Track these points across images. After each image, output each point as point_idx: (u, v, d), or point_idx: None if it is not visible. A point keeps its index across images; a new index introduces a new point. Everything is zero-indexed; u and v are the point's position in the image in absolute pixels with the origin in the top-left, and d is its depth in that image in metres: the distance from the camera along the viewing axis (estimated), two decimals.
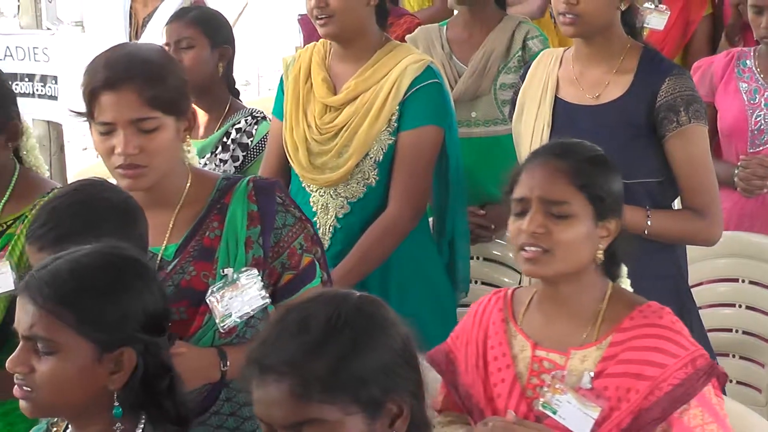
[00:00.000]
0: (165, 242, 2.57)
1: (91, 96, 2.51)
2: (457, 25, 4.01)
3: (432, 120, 3.34)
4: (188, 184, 2.61)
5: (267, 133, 3.64)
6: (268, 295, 2.55)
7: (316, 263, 2.65)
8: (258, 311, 2.55)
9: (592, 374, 2.37)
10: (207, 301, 2.51)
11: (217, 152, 3.68)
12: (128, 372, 2.00)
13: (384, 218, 3.31)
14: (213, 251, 2.56)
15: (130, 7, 4.69)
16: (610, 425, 2.35)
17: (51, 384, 1.97)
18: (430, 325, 2.97)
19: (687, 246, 3.29)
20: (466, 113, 3.85)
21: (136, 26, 4.59)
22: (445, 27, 4.03)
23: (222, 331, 2.53)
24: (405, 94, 3.31)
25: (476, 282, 3.82)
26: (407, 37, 4.12)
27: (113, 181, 2.59)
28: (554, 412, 2.36)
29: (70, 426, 2.11)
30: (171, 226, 2.58)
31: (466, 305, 3.71)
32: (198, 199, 2.60)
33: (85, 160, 6.69)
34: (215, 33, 3.71)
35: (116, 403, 2.00)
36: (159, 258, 2.57)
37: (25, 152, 2.99)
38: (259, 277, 2.53)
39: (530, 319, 2.50)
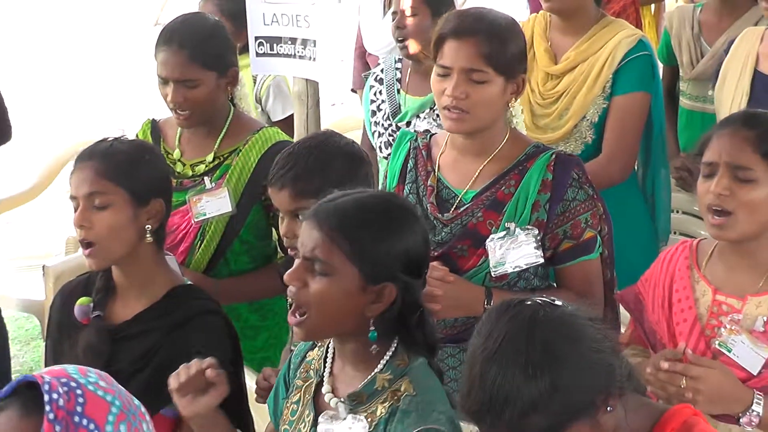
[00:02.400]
0: (467, 187, 2.76)
1: (439, 40, 2.71)
2: (709, 8, 4.17)
3: (642, 87, 3.52)
4: (503, 142, 2.76)
5: None
6: (542, 255, 2.69)
7: (599, 239, 2.75)
8: (531, 267, 2.70)
9: (765, 318, 2.49)
10: (486, 245, 2.69)
11: (434, 107, 3.73)
12: (386, 304, 2.16)
13: (592, 164, 3.39)
14: (503, 205, 2.71)
15: None
16: None
17: (320, 301, 2.14)
18: (635, 266, 3.09)
19: None
20: (703, 90, 4.02)
21: None
22: (699, 9, 4.19)
23: (493, 275, 2.68)
24: (619, 63, 3.49)
25: (676, 233, 4.01)
26: (665, 13, 4.27)
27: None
28: (729, 351, 2.49)
29: (332, 342, 2.31)
30: (476, 175, 2.76)
31: None
32: (507, 157, 2.75)
33: (334, 114, 7.14)
34: (438, 3, 3.74)
35: (372, 328, 2.17)
36: (459, 199, 2.76)
37: (239, 99, 3.34)
38: (538, 237, 2.68)
39: (712, 267, 2.61)
